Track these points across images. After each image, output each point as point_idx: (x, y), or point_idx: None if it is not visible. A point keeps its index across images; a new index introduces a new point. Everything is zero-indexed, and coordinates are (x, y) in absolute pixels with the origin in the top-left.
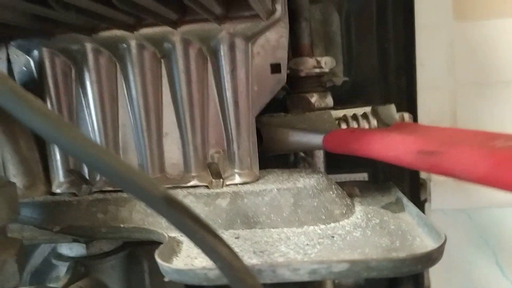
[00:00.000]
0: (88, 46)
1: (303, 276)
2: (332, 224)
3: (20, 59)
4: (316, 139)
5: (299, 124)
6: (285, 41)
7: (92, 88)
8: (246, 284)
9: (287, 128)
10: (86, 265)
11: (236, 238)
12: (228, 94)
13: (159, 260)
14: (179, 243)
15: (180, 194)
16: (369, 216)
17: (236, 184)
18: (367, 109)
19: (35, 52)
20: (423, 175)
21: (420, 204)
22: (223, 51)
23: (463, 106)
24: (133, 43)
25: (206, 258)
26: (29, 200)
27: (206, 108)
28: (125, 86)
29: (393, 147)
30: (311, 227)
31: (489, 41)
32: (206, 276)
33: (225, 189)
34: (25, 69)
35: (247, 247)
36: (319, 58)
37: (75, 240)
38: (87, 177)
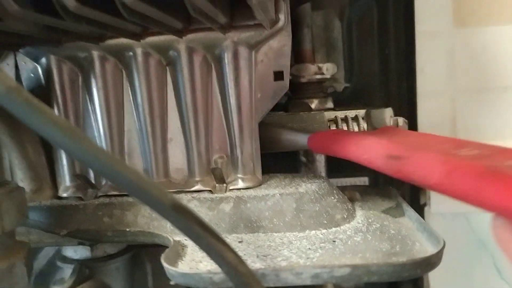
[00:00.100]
0: (95, 54)
1: (305, 280)
2: (334, 229)
3: (28, 65)
4: (303, 139)
5: (290, 124)
6: (287, 49)
7: (98, 95)
8: None
9: (277, 127)
10: (91, 267)
11: (239, 242)
12: (232, 100)
13: (165, 264)
14: (184, 247)
15: (184, 199)
16: (370, 220)
17: (239, 189)
18: (361, 112)
19: (43, 59)
20: None
21: (420, 208)
22: (227, 59)
23: (462, 112)
24: (139, 51)
25: (211, 261)
26: (36, 204)
27: (210, 114)
28: (131, 92)
29: (366, 150)
30: (313, 232)
31: (489, 48)
32: (212, 280)
33: (228, 193)
34: (32, 75)
35: (251, 251)
36: (320, 65)
37: (80, 243)
38: (93, 181)
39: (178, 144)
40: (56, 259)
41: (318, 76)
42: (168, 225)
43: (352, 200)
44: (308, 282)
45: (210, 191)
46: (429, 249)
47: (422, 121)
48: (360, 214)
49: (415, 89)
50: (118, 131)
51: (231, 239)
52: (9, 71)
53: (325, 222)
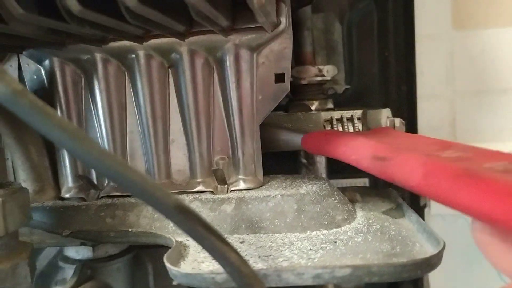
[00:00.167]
0: (98, 56)
1: (307, 280)
2: (334, 230)
3: (31, 67)
4: (297, 139)
5: (286, 123)
6: (289, 52)
7: (101, 96)
8: None
9: (273, 127)
10: (92, 268)
11: (241, 242)
12: (233, 102)
13: (168, 264)
14: (186, 247)
15: (186, 200)
16: (370, 221)
17: (240, 190)
18: (357, 113)
19: (46, 62)
20: None
21: (420, 210)
22: (229, 61)
23: (462, 114)
24: (141, 53)
25: (213, 262)
26: (39, 205)
27: (211, 116)
28: (133, 94)
29: (355, 151)
30: (314, 233)
31: (488, 50)
32: (214, 280)
33: (230, 194)
34: (35, 77)
35: (252, 251)
36: (321, 67)
37: (82, 244)
38: (95, 182)
39: (180, 145)
40: (57, 259)
41: (319, 78)
42: (170, 226)
43: (352, 201)
44: (309, 282)
45: (211, 192)
46: (429, 250)
47: (421, 123)
48: (360, 215)
49: (415, 91)
50: (120, 133)
51: (232, 240)
52: (13, 73)
53: (326, 223)
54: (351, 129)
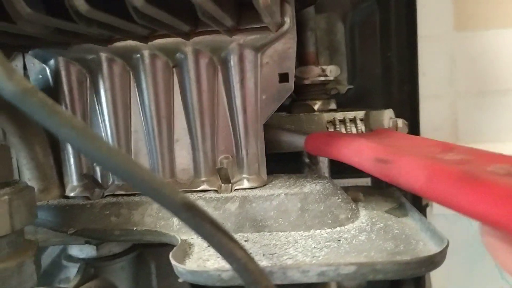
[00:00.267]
0: (103, 56)
1: (312, 277)
2: (338, 228)
3: (36, 67)
4: (299, 140)
5: (288, 125)
6: (292, 52)
7: (106, 96)
8: (260, 284)
9: (275, 128)
10: (96, 267)
11: (245, 241)
12: (237, 102)
13: (173, 262)
14: (190, 245)
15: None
16: (374, 220)
17: (244, 189)
18: (360, 114)
19: (52, 61)
20: None
21: (422, 209)
22: (233, 61)
23: (464, 114)
24: (146, 53)
25: (218, 260)
26: (44, 204)
27: (216, 115)
28: (138, 94)
29: (357, 153)
30: (318, 231)
31: (489, 51)
32: (220, 277)
33: (234, 193)
34: (40, 77)
35: (257, 249)
36: (324, 67)
37: (87, 242)
38: (100, 181)
39: (184, 144)
40: (61, 258)
41: (322, 78)
42: (175, 224)
43: (355, 200)
44: (314, 279)
45: (215, 191)
46: (433, 248)
47: (424, 123)
48: (363, 214)
49: (417, 92)
50: (125, 132)
51: (237, 238)
52: None
53: (330, 221)
54: (353, 130)
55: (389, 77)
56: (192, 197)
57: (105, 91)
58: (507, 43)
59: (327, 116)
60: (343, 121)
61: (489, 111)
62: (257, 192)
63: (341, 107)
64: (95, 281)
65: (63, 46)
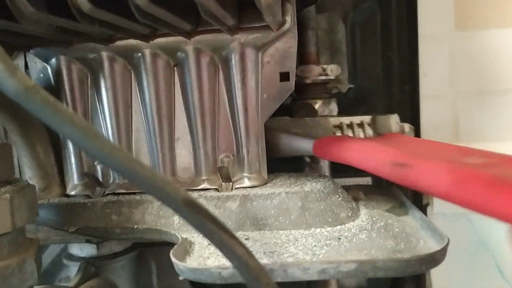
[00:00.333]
0: (104, 55)
1: (312, 275)
2: (338, 227)
3: (37, 66)
4: (307, 144)
5: (294, 129)
6: (294, 51)
7: (107, 95)
8: (261, 282)
9: (281, 132)
10: (97, 266)
11: (246, 239)
12: (239, 101)
13: (174, 260)
14: (191, 244)
15: None
16: (374, 219)
17: (245, 188)
18: (366, 118)
19: (53, 60)
20: None
21: (422, 208)
22: (234, 60)
23: (464, 114)
24: (147, 52)
25: (218, 258)
26: (45, 202)
27: (217, 114)
28: (139, 92)
29: (372, 158)
30: (318, 229)
31: (490, 51)
32: (220, 274)
33: (234, 192)
34: (42, 75)
35: (257, 248)
36: (325, 66)
37: (87, 241)
38: (101, 179)
39: (185, 143)
40: (62, 257)
41: (322, 77)
42: (175, 223)
43: (356, 199)
44: (315, 277)
45: (216, 189)
46: (433, 246)
47: (424, 123)
48: (364, 213)
49: (418, 91)
50: (126, 131)
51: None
52: None
53: (330, 220)
54: (361, 135)
55: (389, 77)
56: (193, 195)
57: (106, 90)
58: (508, 43)
59: (332, 121)
60: (350, 126)
61: (490, 110)
62: (258, 190)
63: (342, 106)
64: (95, 280)
65: (64, 45)
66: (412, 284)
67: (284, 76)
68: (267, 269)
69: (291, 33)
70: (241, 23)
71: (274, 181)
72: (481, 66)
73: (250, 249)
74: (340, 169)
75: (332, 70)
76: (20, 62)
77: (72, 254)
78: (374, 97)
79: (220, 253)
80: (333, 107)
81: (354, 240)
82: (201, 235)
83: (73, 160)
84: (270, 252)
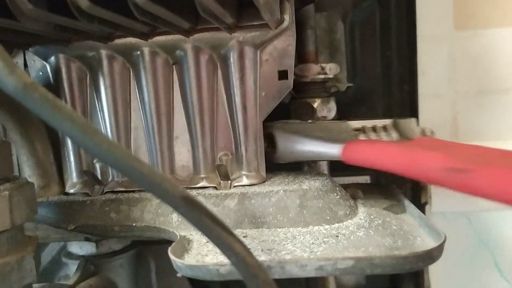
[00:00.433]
0: (103, 53)
1: (310, 272)
2: (336, 224)
3: (36, 64)
4: (333, 149)
5: (315, 133)
6: (292, 49)
7: (106, 93)
8: (258, 279)
9: (303, 136)
10: (96, 264)
11: (244, 237)
12: (237, 99)
13: (172, 257)
14: (189, 241)
15: None
16: (372, 217)
17: (243, 186)
18: (388, 122)
19: (52, 58)
20: None
21: (421, 207)
22: (233, 58)
23: (463, 114)
24: (146, 50)
25: (216, 256)
26: (44, 200)
27: (215, 112)
28: (138, 91)
29: (419, 163)
30: (316, 227)
31: (489, 50)
32: (218, 271)
33: (233, 190)
34: (41, 74)
35: (255, 245)
36: (323, 65)
37: (86, 239)
38: (100, 177)
39: (184, 141)
40: (61, 255)
41: (321, 76)
42: (174, 220)
43: (354, 197)
44: (312, 274)
45: (215, 187)
46: (431, 243)
47: (423, 123)
48: (362, 211)
49: (417, 91)
50: (125, 129)
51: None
52: None
53: (328, 218)
54: (385, 138)
55: (389, 77)
56: (192, 193)
57: (105, 88)
58: (507, 43)
59: (352, 124)
60: (373, 129)
61: (489, 110)
62: (256, 188)
63: (341, 105)
64: (94, 278)
65: (63, 43)
66: (410, 283)
67: (283, 75)
68: (264, 266)
69: (290, 32)
70: (239, 21)
71: (272, 179)
72: (480, 66)
73: (248, 247)
74: (338, 168)
75: (331, 69)
76: (19, 60)
77: (72, 252)
78: (373, 97)
79: (218, 251)
80: (332, 106)
81: (351, 237)
82: (200, 233)
83: (72, 158)
84: (268, 250)
